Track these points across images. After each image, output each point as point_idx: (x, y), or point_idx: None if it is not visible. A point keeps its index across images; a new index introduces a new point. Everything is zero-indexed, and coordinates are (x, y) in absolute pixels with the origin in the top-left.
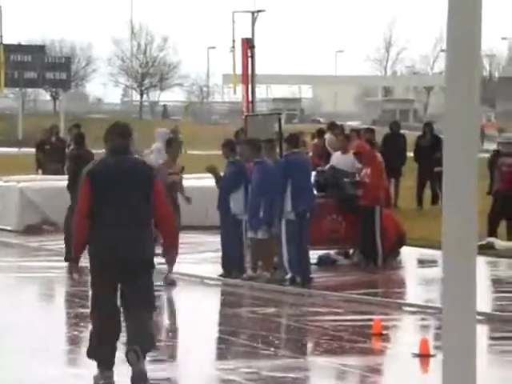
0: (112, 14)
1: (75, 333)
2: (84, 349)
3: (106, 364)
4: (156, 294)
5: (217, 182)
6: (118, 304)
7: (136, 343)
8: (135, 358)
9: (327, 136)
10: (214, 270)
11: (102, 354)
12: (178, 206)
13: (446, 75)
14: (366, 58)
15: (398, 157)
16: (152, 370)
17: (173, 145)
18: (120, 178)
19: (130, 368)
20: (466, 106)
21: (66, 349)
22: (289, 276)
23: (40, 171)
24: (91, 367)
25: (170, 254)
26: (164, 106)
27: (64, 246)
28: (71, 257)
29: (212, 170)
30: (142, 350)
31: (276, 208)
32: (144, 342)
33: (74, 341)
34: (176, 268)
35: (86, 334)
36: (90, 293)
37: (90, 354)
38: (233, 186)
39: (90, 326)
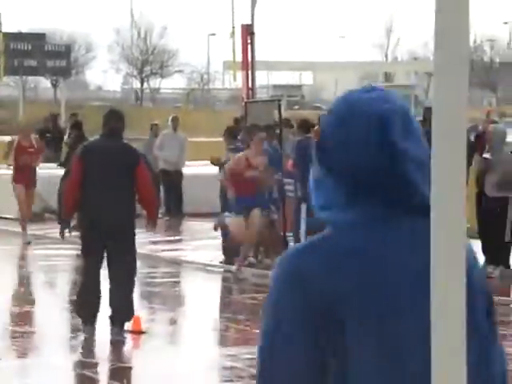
0: (112, 2)
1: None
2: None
3: (89, 320)
4: (158, 281)
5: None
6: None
7: (118, 314)
8: (118, 330)
9: None
10: (216, 256)
11: (86, 311)
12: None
13: (435, 66)
14: (367, 44)
15: None
16: (154, 356)
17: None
18: (108, 158)
19: (110, 331)
20: (455, 96)
21: (68, 335)
22: None
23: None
24: (94, 354)
25: (151, 226)
26: (136, 91)
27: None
28: (63, 219)
29: (216, 161)
30: (122, 320)
31: (274, 192)
32: (125, 314)
33: (76, 328)
34: (177, 255)
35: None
36: (81, 257)
37: (77, 312)
38: None
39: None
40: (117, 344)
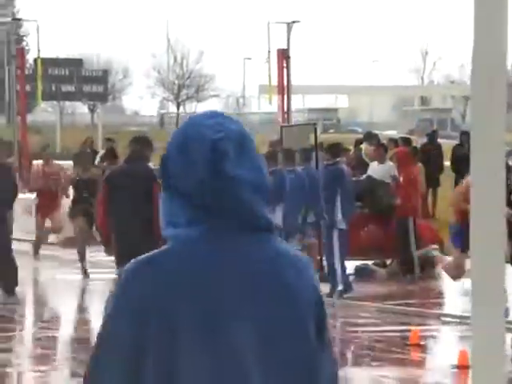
0: (148, 28)
1: None
2: None
3: None
4: None
5: None
6: None
7: None
8: None
9: (364, 146)
10: None
11: None
12: None
13: (472, 89)
14: (401, 68)
15: (435, 167)
16: None
17: None
18: (128, 182)
19: None
20: (492, 120)
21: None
22: (340, 288)
23: None
24: None
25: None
26: (161, 114)
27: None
28: (103, 242)
29: None
30: None
31: (310, 216)
32: None
33: None
34: None
35: None
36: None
37: None
38: (275, 196)
39: None
40: None
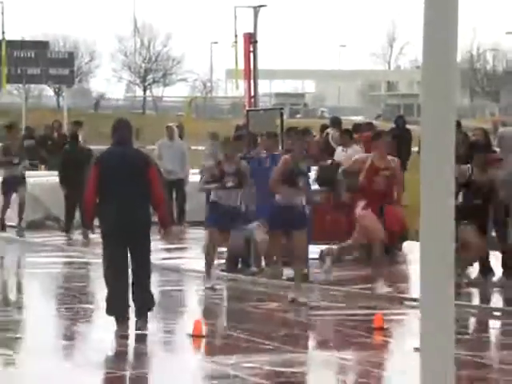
0: (115, 10)
1: (74, 328)
2: (81, 343)
3: (122, 318)
4: (159, 289)
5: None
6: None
7: (142, 304)
8: (143, 322)
9: (330, 131)
10: (217, 264)
11: (117, 309)
12: None
13: (423, 73)
14: (369, 53)
15: (403, 152)
16: (156, 364)
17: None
18: (123, 165)
19: (136, 324)
20: (444, 105)
21: (64, 344)
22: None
23: (43, 167)
24: (87, 362)
25: (166, 229)
26: (96, 99)
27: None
28: (86, 224)
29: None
30: (146, 309)
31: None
32: (148, 303)
33: (71, 336)
34: (179, 262)
35: (84, 329)
36: (103, 257)
37: (108, 311)
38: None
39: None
40: (142, 337)
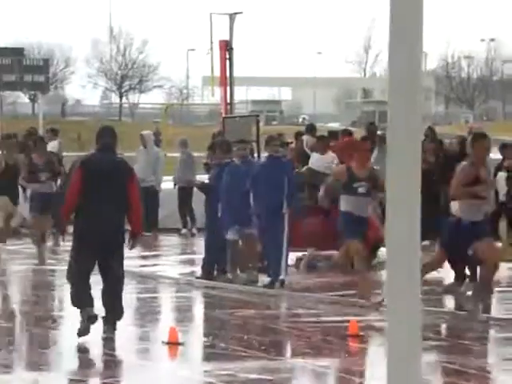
0: (91, 16)
1: (45, 332)
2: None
3: (87, 304)
4: (134, 296)
5: (200, 189)
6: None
7: (111, 314)
8: (111, 329)
9: (305, 138)
10: (191, 271)
11: (83, 301)
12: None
13: (389, 79)
14: (345, 60)
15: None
16: (131, 372)
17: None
18: (105, 171)
19: (103, 330)
20: (410, 111)
21: (34, 350)
22: (283, 277)
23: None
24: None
25: (136, 238)
26: (63, 103)
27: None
28: (59, 223)
29: (194, 185)
30: (115, 317)
31: (247, 208)
32: (117, 312)
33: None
34: (154, 270)
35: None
36: (71, 256)
37: (74, 303)
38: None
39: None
40: (109, 342)
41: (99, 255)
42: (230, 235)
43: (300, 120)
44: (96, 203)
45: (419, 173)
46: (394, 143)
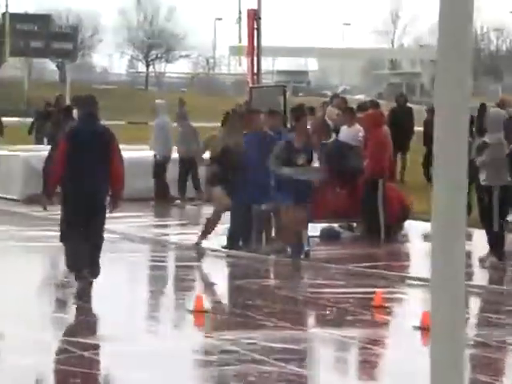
0: None
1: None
2: (75, 318)
3: (82, 266)
4: (159, 264)
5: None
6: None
7: (90, 268)
8: (87, 282)
9: (328, 108)
10: (218, 241)
11: (76, 264)
12: None
13: (438, 50)
14: (372, 31)
15: (405, 131)
16: (152, 341)
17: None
18: (90, 140)
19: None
20: (457, 84)
21: (60, 316)
22: (307, 248)
23: (45, 140)
24: (79, 333)
25: (115, 201)
26: (59, 68)
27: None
28: (47, 193)
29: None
30: (92, 275)
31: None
32: (94, 271)
33: (65, 309)
34: (179, 239)
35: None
36: (61, 221)
37: (68, 267)
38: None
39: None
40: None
41: (86, 210)
42: (267, 206)
43: (340, 90)
44: (80, 170)
45: (466, 146)
46: (441, 112)
